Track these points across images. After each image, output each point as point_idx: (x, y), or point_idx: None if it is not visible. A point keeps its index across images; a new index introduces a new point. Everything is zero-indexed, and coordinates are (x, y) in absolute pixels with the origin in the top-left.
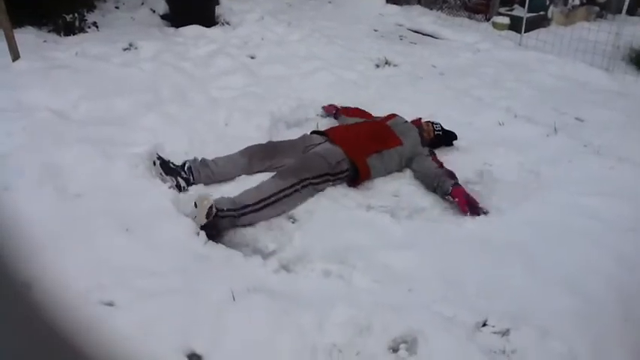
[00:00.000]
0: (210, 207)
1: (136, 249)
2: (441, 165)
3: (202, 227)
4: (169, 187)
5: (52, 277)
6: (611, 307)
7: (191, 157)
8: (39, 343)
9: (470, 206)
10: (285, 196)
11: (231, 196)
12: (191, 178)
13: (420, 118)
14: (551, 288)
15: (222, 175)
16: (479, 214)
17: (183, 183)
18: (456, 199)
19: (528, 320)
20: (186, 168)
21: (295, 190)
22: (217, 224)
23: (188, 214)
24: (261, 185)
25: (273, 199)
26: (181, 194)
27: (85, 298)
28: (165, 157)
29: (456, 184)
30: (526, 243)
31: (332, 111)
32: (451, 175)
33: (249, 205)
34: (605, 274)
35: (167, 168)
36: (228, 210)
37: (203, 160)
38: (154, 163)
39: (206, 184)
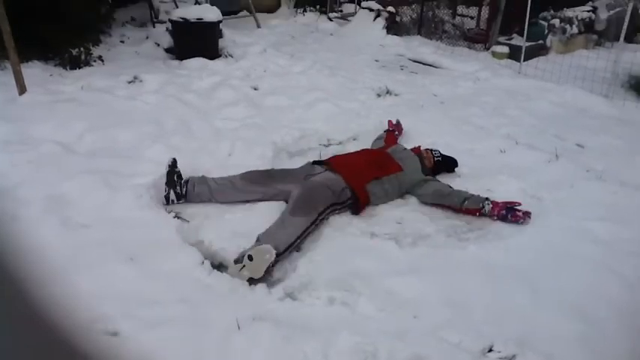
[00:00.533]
0: (272, 263)
1: (141, 279)
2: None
3: (250, 281)
4: (165, 197)
5: (57, 307)
6: (615, 331)
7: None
8: None
9: (507, 210)
10: (309, 234)
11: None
12: (184, 191)
13: (420, 146)
14: (555, 313)
15: (220, 195)
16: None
17: (173, 196)
18: (502, 212)
19: (534, 346)
20: (182, 182)
21: (316, 226)
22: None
23: (196, 243)
24: (287, 225)
25: (300, 239)
26: (185, 225)
27: (89, 328)
28: (179, 168)
29: (488, 199)
30: (529, 268)
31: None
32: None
33: (283, 252)
34: (608, 298)
35: (170, 177)
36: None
37: (202, 177)
38: (166, 167)
39: (200, 201)
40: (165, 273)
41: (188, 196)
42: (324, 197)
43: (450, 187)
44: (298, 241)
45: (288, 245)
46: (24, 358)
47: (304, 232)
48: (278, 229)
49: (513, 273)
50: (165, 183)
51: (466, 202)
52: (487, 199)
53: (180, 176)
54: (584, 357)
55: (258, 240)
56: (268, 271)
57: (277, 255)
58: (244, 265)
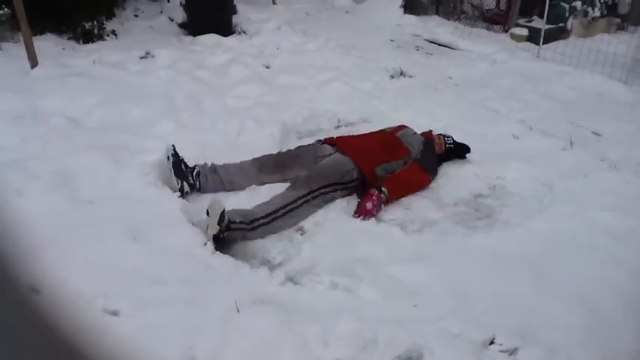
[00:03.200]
0: (222, 213)
1: (143, 257)
2: (411, 173)
3: (213, 238)
4: (173, 192)
5: (59, 282)
6: (622, 325)
7: (201, 163)
8: (43, 349)
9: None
10: (294, 208)
11: (242, 207)
12: (197, 184)
13: (431, 131)
14: (561, 303)
15: (232, 184)
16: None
17: (187, 188)
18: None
19: (537, 337)
20: (194, 173)
21: (305, 202)
22: (229, 237)
23: (199, 222)
24: (272, 199)
25: (282, 211)
26: (190, 204)
27: (89, 305)
28: (181, 154)
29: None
30: (537, 257)
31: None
32: (391, 182)
33: (259, 219)
34: (616, 289)
35: (178, 168)
36: (240, 222)
37: (213, 166)
38: (168, 158)
39: (213, 191)
40: (167, 252)
41: (202, 189)
42: (325, 177)
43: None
44: (282, 211)
45: (264, 215)
46: (23, 333)
47: (285, 207)
48: (264, 202)
49: (520, 262)
50: (175, 175)
51: None
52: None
53: (186, 165)
54: (588, 349)
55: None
56: (229, 228)
57: (255, 220)
58: (208, 225)
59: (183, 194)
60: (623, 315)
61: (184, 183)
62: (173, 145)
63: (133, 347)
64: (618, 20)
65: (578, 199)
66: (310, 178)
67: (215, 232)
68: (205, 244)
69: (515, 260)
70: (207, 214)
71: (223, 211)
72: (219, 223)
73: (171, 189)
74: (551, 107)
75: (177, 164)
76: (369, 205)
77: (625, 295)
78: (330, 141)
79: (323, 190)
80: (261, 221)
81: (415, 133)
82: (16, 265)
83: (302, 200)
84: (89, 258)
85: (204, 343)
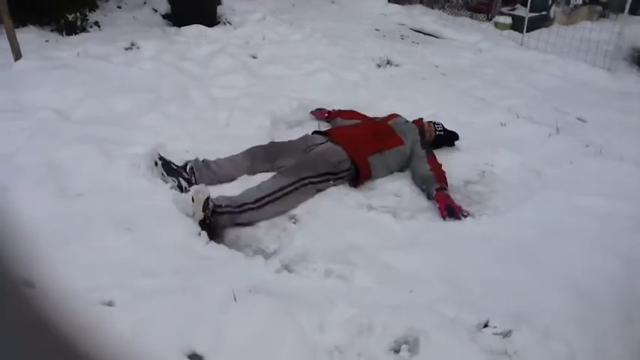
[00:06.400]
0: (207, 199)
1: (137, 249)
2: (437, 166)
3: (202, 225)
4: (171, 188)
5: (52, 276)
6: (612, 308)
7: (192, 157)
8: (37, 342)
9: (448, 212)
10: (284, 195)
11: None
12: (193, 178)
13: (422, 119)
14: (552, 288)
15: (225, 177)
16: (459, 219)
17: (184, 184)
18: (437, 204)
19: (530, 321)
20: (187, 169)
21: (295, 189)
22: (216, 221)
23: (187, 211)
24: (261, 184)
25: (272, 197)
26: (183, 194)
27: (84, 298)
28: (167, 156)
29: (440, 189)
30: (527, 243)
31: (322, 115)
32: (440, 178)
33: (248, 203)
34: (606, 274)
35: (169, 169)
36: (227, 206)
37: (205, 161)
38: (156, 164)
39: (208, 184)
40: (161, 243)
41: (197, 182)
42: (317, 166)
43: (435, 169)
44: (270, 197)
45: (253, 200)
46: (17, 327)
47: (275, 192)
48: (254, 187)
49: (511, 248)
50: (168, 175)
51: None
52: (431, 194)
53: (175, 164)
54: (579, 332)
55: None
56: (215, 219)
57: (243, 204)
58: (194, 211)
59: (182, 191)
60: (612, 298)
61: (180, 179)
62: (158, 153)
63: (130, 339)
64: (600, 8)
65: (565, 185)
66: (300, 167)
67: (201, 218)
68: (199, 234)
69: (506, 246)
70: (192, 200)
71: (208, 198)
72: (204, 209)
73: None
74: (536, 95)
75: (167, 166)
76: (451, 205)
77: (614, 279)
78: (321, 131)
79: (314, 179)
80: (249, 205)
81: (407, 121)
82: (7, 258)
83: (292, 187)
84: (82, 251)
85: (202, 332)
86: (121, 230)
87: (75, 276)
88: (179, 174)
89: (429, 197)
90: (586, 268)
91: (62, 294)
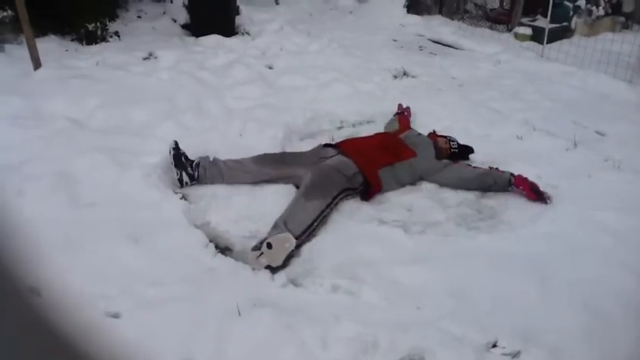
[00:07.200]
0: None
1: (144, 258)
2: (473, 166)
3: (272, 269)
4: (174, 185)
5: (60, 283)
6: (622, 325)
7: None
8: (43, 350)
9: (536, 192)
10: (324, 217)
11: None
12: (196, 175)
13: (435, 131)
14: (563, 305)
15: (231, 178)
16: (545, 202)
17: (186, 179)
18: (520, 187)
19: (539, 339)
20: (194, 164)
21: (331, 210)
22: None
23: (202, 225)
24: (299, 210)
25: (317, 222)
26: (192, 206)
27: (90, 306)
28: (183, 148)
29: (512, 174)
30: (540, 258)
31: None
32: (493, 169)
33: (302, 235)
34: (618, 291)
35: (177, 160)
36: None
37: (214, 160)
38: (170, 152)
39: (211, 183)
40: (169, 254)
41: (200, 179)
42: (338, 181)
43: (471, 166)
44: (315, 224)
45: (305, 229)
46: (24, 335)
47: (320, 215)
48: (294, 213)
49: (523, 264)
50: (175, 166)
51: (493, 187)
52: (510, 181)
53: (187, 157)
54: (590, 351)
55: (275, 226)
56: (288, 259)
57: (296, 239)
58: (262, 253)
59: (182, 185)
60: (625, 318)
61: (183, 173)
62: (176, 141)
63: (133, 349)
64: (623, 19)
65: (581, 200)
66: (325, 183)
67: (278, 264)
68: (207, 245)
69: (518, 262)
70: (269, 247)
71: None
72: (286, 259)
73: (173, 184)
74: (554, 107)
75: (178, 157)
76: (536, 186)
77: (627, 298)
78: (331, 144)
79: (341, 195)
80: (303, 237)
81: (420, 134)
82: (16, 266)
83: (329, 209)
84: (90, 260)
85: (204, 345)
86: (130, 240)
87: (81, 284)
88: (184, 167)
89: (508, 185)
90: (599, 286)
91: (69, 302)
